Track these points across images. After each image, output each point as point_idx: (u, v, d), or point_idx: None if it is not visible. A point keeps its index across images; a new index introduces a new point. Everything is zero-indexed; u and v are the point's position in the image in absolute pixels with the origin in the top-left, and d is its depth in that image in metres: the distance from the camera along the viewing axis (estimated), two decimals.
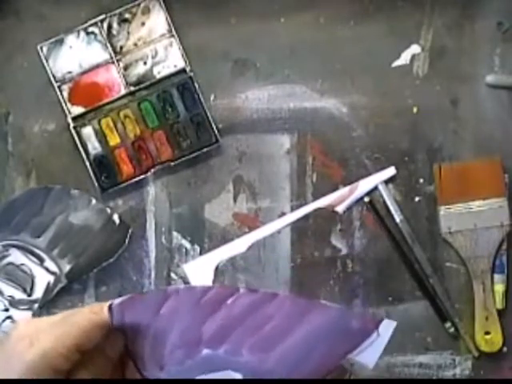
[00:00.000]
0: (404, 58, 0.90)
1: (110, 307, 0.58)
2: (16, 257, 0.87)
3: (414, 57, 0.90)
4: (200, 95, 0.89)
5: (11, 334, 0.57)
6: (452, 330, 0.86)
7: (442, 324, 0.87)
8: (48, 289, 0.87)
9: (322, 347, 0.56)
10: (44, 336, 0.56)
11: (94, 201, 0.88)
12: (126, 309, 0.58)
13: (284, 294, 0.57)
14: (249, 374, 0.57)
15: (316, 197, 0.89)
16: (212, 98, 0.90)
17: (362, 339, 0.56)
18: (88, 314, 0.58)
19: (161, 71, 0.90)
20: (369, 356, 0.56)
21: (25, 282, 0.87)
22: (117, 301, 0.58)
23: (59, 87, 0.90)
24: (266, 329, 0.57)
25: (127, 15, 0.90)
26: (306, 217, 0.89)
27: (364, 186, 0.88)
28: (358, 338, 0.56)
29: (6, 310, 0.87)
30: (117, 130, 0.89)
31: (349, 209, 0.89)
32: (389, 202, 0.88)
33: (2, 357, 0.56)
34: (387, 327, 0.56)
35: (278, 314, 0.57)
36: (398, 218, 0.88)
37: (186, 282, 0.89)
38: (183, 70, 0.90)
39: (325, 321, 0.56)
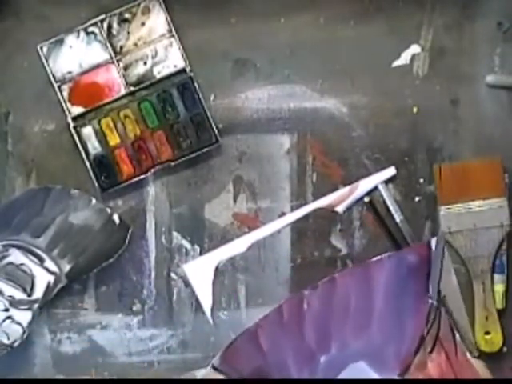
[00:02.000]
0: (404, 58, 0.90)
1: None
2: (16, 257, 0.87)
3: (414, 57, 0.90)
4: (200, 95, 0.89)
5: None
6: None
7: None
8: (48, 289, 0.87)
9: (404, 294, 0.58)
10: None
11: (93, 201, 0.88)
12: (228, 366, 0.59)
13: (339, 274, 0.60)
14: (369, 356, 0.57)
15: (316, 197, 0.89)
16: (212, 97, 0.90)
17: (427, 264, 0.58)
18: None
19: (161, 71, 0.90)
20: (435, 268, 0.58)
21: (25, 282, 0.87)
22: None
23: (59, 87, 0.90)
24: (351, 310, 0.59)
25: (127, 15, 0.90)
26: (305, 217, 0.89)
27: (364, 185, 0.88)
28: (423, 266, 0.59)
29: (6, 309, 0.87)
30: (117, 130, 0.89)
31: (349, 209, 0.89)
32: (389, 202, 0.88)
33: None
34: (437, 240, 0.59)
35: (350, 292, 0.59)
36: (398, 218, 0.88)
37: (186, 281, 0.89)
38: (183, 70, 0.90)
39: (389, 274, 0.59)
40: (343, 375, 0.58)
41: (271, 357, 0.61)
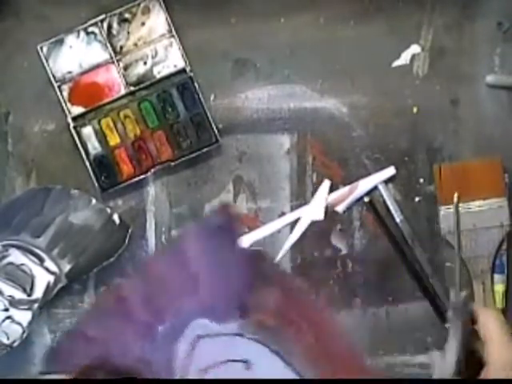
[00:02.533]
0: (404, 58, 0.90)
1: None
2: (16, 257, 0.87)
3: (414, 57, 0.90)
4: (200, 95, 0.89)
5: None
6: None
7: (442, 324, 0.87)
8: (48, 289, 0.87)
9: (219, 252, 0.62)
10: None
11: (93, 201, 0.88)
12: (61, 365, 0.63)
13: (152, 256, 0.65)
14: (208, 311, 0.62)
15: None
16: (212, 97, 0.90)
17: (231, 223, 0.63)
18: None
19: (161, 71, 0.90)
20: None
21: (25, 282, 0.87)
22: None
23: (59, 87, 0.90)
24: (174, 283, 0.63)
25: (127, 15, 0.90)
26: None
27: (364, 185, 0.88)
28: (227, 224, 0.62)
29: (6, 309, 0.87)
30: (117, 130, 0.89)
31: (349, 209, 0.89)
32: (389, 202, 0.88)
33: None
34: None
35: (166, 268, 0.63)
36: (398, 218, 0.88)
37: None
38: (183, 70, 0.90)
39: (200, 240, 0.62)
40: (187, 332, 0.62)
41: (109, 342, 0.63)
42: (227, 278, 0.61)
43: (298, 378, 0.60)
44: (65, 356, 0.62)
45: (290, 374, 0.60)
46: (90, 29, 0.90)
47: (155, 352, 0.63)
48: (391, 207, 0.88)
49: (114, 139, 0.89)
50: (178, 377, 0.62)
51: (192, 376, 0.62)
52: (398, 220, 0.88)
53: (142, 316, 0.63)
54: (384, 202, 0.88)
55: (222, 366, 0.62)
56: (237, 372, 0.61)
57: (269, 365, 0.61)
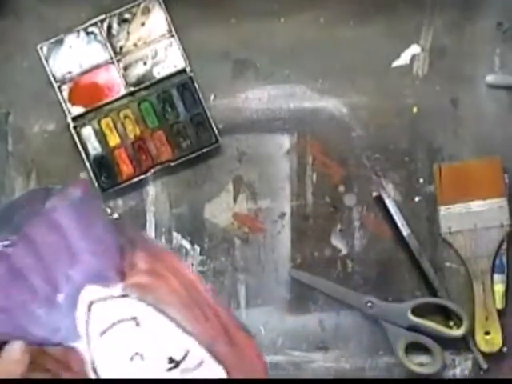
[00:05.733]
0: (404, 58, 0.90)
1: None
2: None
3: (414, 57, 0.90)
4: (200, 95, 0.89)
5: None
6: (455, 329, 0.86)
7: (446, 323, 0.87)
8: None
9: (86, 222, 0.71)
10: None
11: None
12: None
13: (28, 228, 0.71)
14: (93, 277, 0.70)
15: (316, 197, 0.89)
16: (212, 97, 0.90)
17: (89, 195, 0.73)
18: None
19: (161, 71, 0.90)
20: None
21: None
22: None
23: (59, 87, 0.90)
24: (53, 251, 0.70)
25: (127, 15, 0.90)
26: (305, 217, 0.89)
27: None
28: (86, 196, 0.72)
29: None
30: (117, 130, 0.89)
31: (349, 209, 0.89)
32: (396, 217, 0.87)
33: None
34: None
35: (40, 242, 0.71)
36: (405, 232, 0.87)
37: None
38: (183, 70, 0.90)
39: (65, 213, 0.71)
40: (81, 299, 0.70)
41: (13, 309, 0.69)
42: (101, 246, 0.69)
43: (177, 327, 0.70)
44: None
45: (170, 325, 0.70)
46: (90, 29, 0.89)
47: (59, 321, 0.70)
48: (398, 222, 0.88)
49: (113, 139, 0.89)
50: (83, 341, 0.70)
51: (94, 339, 0.70)
52: (405, 234, 0.87)
53: (41, 286, 0.69)
54: (391, 216, 0.88)
55: (115, 326, 0.70)
56: (129, 329, 0.70)
57: (153, 319, 0.70)
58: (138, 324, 0.71)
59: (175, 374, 0.70)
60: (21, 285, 0.69)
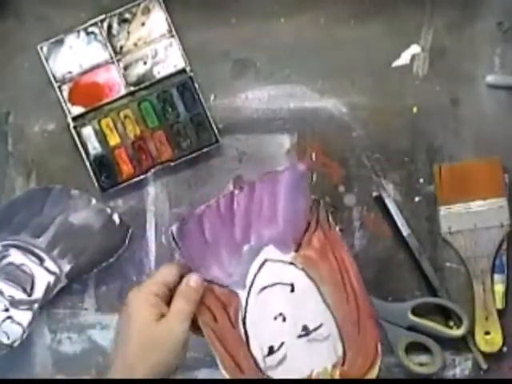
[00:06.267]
0: (404, 58, 0.90)
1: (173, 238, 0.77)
2: (16, 257, 0.87)
3: (414, 57, 0.90)
4: (200, 95, 0.89)
5: None
6: (455, 329, 0.86)
7: (446, 323, 0.87)
8: (48, 289, 0.87)
9: (298, 196, 0.79)
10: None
11: (93, 201, 0.88)
12: (182, 241, 0.77)
13: (257, 180, 0.79)
14: (276, 241, 0.79)
15: (316, 197, 0.89)
16: (212, 98, 0.90)
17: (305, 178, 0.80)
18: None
19: (161, 71, 0.90)
20: None
21: (25, 282, 0.87)
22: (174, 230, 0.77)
23: (59, 87, 0.90)
24: (264, 208, 0.79)
25: (127, 15, 0.90)
26: None
27: None
28: (308, 175, 0.80)
29: (6, 310, 0.87)
30: (117, 130, 0.89)
31: (349, 209, 0.89)
32: (396, 218, 0.87)
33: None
34: None
35: (264, 194, 0.79)
36: (405, 232, 0.87)
37: None
38: (183, 70, 0.90)
39: (288, 180, 0.79)
40: (261, 255, 0.79)
41: (210, 244, 0.78)
42: (295, 218, 0.79)
43: (323, 303, 0.79)
44: (185, 230, 0.77)
45: (318, 299, 0.78)
46: (90, 29, 0.90)
47: (236, 267, 0.78)
48: (398, 221, 0.87)
49: (114, 139, 0.89)
50: (245, 291, 0.78)
51: (254, 293, 0.78)
52: (405, 234, 0.87)
53: (237, 231, 0.78)
54: (391, 216, 0.88)
55: (275, 286, 0.78)
56: (283, 292, 0.78)
57: (307, 290, 0.78)
58: (292, 290, 0.79)
59: (302, 341, 0.78)
60: (227, 226, 0.79)
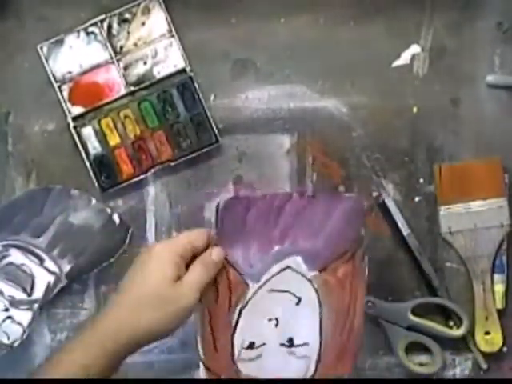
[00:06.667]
0: (404, 58, 0.90)
1: (217, 209, 0.80)
2: (16, 257, 0.87)
3: (414, 57, 0.90)
4: (200, 95, 0.89)
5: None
6: (455, 329, 0.86)
7: (446, 323, 0.87)
8: (48, 289, 0.87)
9: (349, 227, 0.81)
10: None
11: (93, 201, 0.88)
12: (224, 217, 0.80)
13: (318, 195, 0.82)
14: (306, 255, 0.81)
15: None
16: (212, 97, 0.90)
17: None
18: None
19: (161, 71, 0.90)
20: None
21: (25, 282, 0.87)
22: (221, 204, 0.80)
23: (59, 87, 0.90)
24: (312, 222, 0.81)
25: (127, 15, 0.90)
26: None
27: None
28: (365, 212, 0.84)
29: (6, 309, 0.87)
30: (117, 130, 0.89)
31: None
32: (396, 217, 0.87)
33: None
34: None
35: (318, 209, 0.81)
36: (405, 231, 0.87)
37: None
38: (183, 70, 0.90)
39: (346, 208, 0.81)
40: (285, 261, 0.81)
41: (246, 231, 0.80)
42: (335, 243, 0.81)
43: (318, 325, 0.81)
44: (231, 212, 0.81)
45: (316, 320, 0.81)
46: (90, 29, 0.90)
47: (259, 262, 0.80)
48: (398, 222, 0.87)
49: (114, 139, 0.89)
50: (254, 279, 0.81)
51: (260, 294, 0.81)
52: (405, 234, 0.87)
53: (276, 232, 0.81)
54: (391, 216, 0.88)
55: (284, 293, 0.81)
56: (289, 302, 0.81)
57: (310, 309, 0.81)
58: (297, 303, 0.81)
59: (282, 350, 0.82)
60: (269, 223, 0.81)
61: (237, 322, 0.81)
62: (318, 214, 0.81)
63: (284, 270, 0.81)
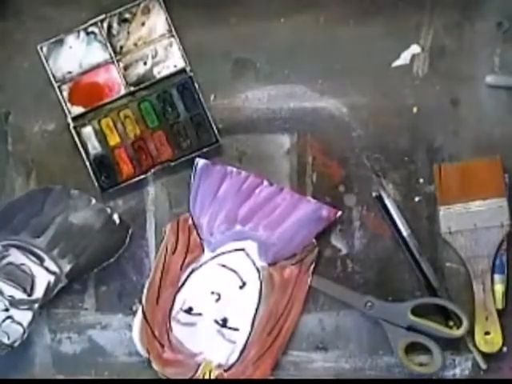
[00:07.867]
0: (404, 58, 0.90)
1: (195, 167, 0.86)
2: (16, 257, 0.87)
3: (414, 57, 0.90)
4: (200, 95, 0.89)
5: None
6: (455, 329, 0.86)
7: (446, 323, 0.87)
8: (48, 289, 0.87)
9: (305, 230, 0.86)
10: None
11: (93, 201, 0.88)
12: (201, 178, 0.87)
13: (286, 189, 0.86)
14: (261, 244, 0.86)
15: (316, 197, 0.89)
16: (212, 98, 0.90)
17: (326, 224, 0.87)
18: None
19: (161, 71, 0.90)
20: None
21: (25, 281, 0.87)
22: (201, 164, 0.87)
23: (59, 87, 0.90)
24: (275, 213, 0.86)
25: (127, 15, 0.90)
26: None
27: None
28: (325, 223, 0.87)
29: (6, 309, 0.87)
30: (117, 130, 0.89)
31: (349, 209, 0.89)
32: (396, 217, 0.87)
33: None
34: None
35: (283, 204, 0.86)
36: (405, 232, 0.87)
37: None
38: (183, 70, 0.90)
39: (307, 211, 0.86)
40: (239, 243, 0.86)
41: (215, 201, 0.86)
42: (289, 243, 0.86)
43: (252, 319, 0.85)
44: (207, 177, 0.87)
45: (252, 313, 0.86)
46: (90, 29, 0.90)
47: (219, 234, 0.86)
48: (398, 221, 0.87)
49: (113, 139, 0.89)
50: (209, 255, 0.86)
51: (214, 261, 0.86)
52: (405, 234, 0.87)
53: (241, 212, 0.86)
54: (391, 216, 0.88)
55: (232, 272, 0.86)
56: (234, 283, 0.86)
57: (250, 299, 0.86)
58: (241, 287, 0.86)
59: (213, 326, 0.86)
60: (237, 201, 0.86)
61: (184, 283, 0.86)
62: (280, 208, 0.86)
63: (239, 250, 0.86)
